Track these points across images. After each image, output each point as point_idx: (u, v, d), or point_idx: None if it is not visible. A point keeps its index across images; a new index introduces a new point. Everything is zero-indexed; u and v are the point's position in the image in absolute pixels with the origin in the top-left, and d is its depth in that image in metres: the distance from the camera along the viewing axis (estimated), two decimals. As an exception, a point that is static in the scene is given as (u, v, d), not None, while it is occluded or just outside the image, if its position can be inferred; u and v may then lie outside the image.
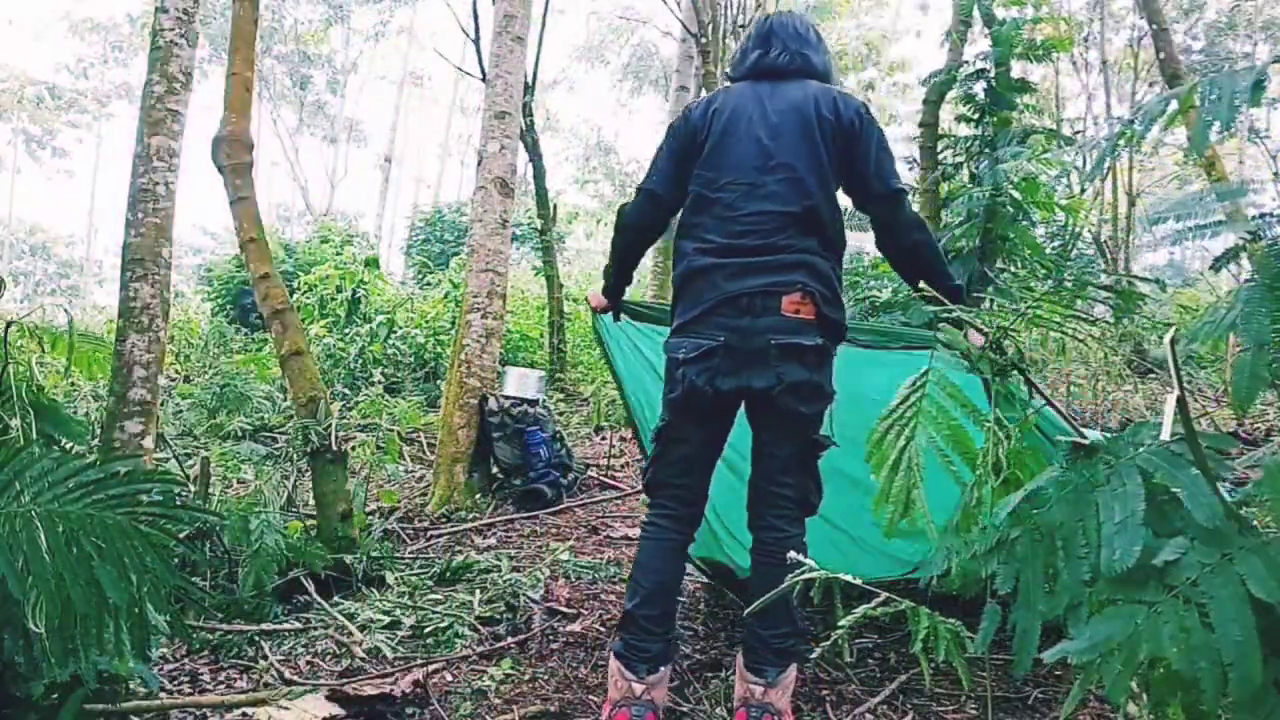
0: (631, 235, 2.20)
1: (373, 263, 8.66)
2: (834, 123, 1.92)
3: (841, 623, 1.22)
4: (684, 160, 2.03)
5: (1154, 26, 5.30)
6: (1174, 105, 1.02)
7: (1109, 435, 1.12)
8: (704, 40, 6.62)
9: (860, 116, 1.95)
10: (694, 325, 1.90)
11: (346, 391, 6.51)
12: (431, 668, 2.09)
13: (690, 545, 1.99)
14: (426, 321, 7.57)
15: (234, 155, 3.08)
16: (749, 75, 2.07)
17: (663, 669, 1.83)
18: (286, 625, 2.44)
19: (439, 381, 6.86)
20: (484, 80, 4.48)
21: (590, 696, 1.98)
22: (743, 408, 1.97)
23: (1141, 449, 1.01)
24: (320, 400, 2.98)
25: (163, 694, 1.91)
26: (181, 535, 2.20)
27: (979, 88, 4.57)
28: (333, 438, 2.93)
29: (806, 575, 1.20)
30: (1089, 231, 7.55)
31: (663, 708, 1.83)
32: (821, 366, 1.87)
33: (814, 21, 2.17)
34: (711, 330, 1.87)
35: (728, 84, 2.12)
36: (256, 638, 2.33)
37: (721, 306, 1.87)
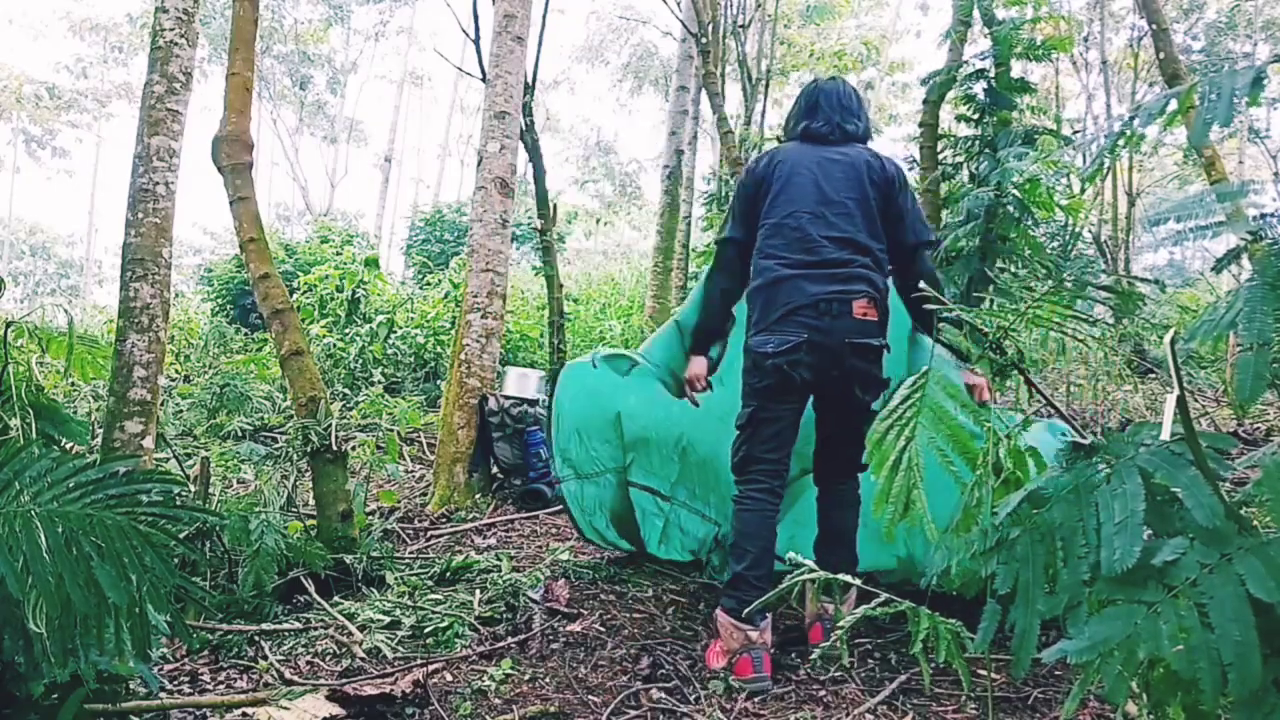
0: (726, 282, 2.46)
1: (373, 263, 8.65)
2: (880, 173, 2.31)
3: (841, 622, 1.22)
4: (753, 206, 2.38)
5: (1154, 26, 5.30)
6: (1173, 105, 1.02)
7: (1109, 435, 1.12)
8: (704, 40, 6.61)
9: (900, 173, 2.34)
10: (778, 324, 2.23)
11: (346, 391, 6.50)
12: (431, 668, 2.09)
13: (779, 511, 2.30)
14: (426, 321, 7.57)
15: (234, 155, 3.08)
16: (799, 138, 2.42)
17: (769, 618, 2.16)
18: (286, 625, 2.44)
19: (439, 381, 6.86)
20: (484, 80, 4.48)
21: (590, 696, 1.97)
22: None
23: (1141, 449, 1.01)
24: (320, 400, 2.98)
25: (163, 694, 1.91)
26: (181, 535, 2.20)
27: (979, 88, 4.56)
28: (333, 438, 2.93)
29: (808, 576, 1.20)
30: (1089, 231, 7.54)
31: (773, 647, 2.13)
32: (881, 362, 2.27)
33: (855, 88, 2.52)
34: (795, 329, 2.20)
35: (778, 143, 2.49)
36: (256, 638, 2.33)
37: (803, 309, 2.21)
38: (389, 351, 7.18)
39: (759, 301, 2.31)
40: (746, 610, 1.96)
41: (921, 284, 2.21)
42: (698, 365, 2.50)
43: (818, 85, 2.47)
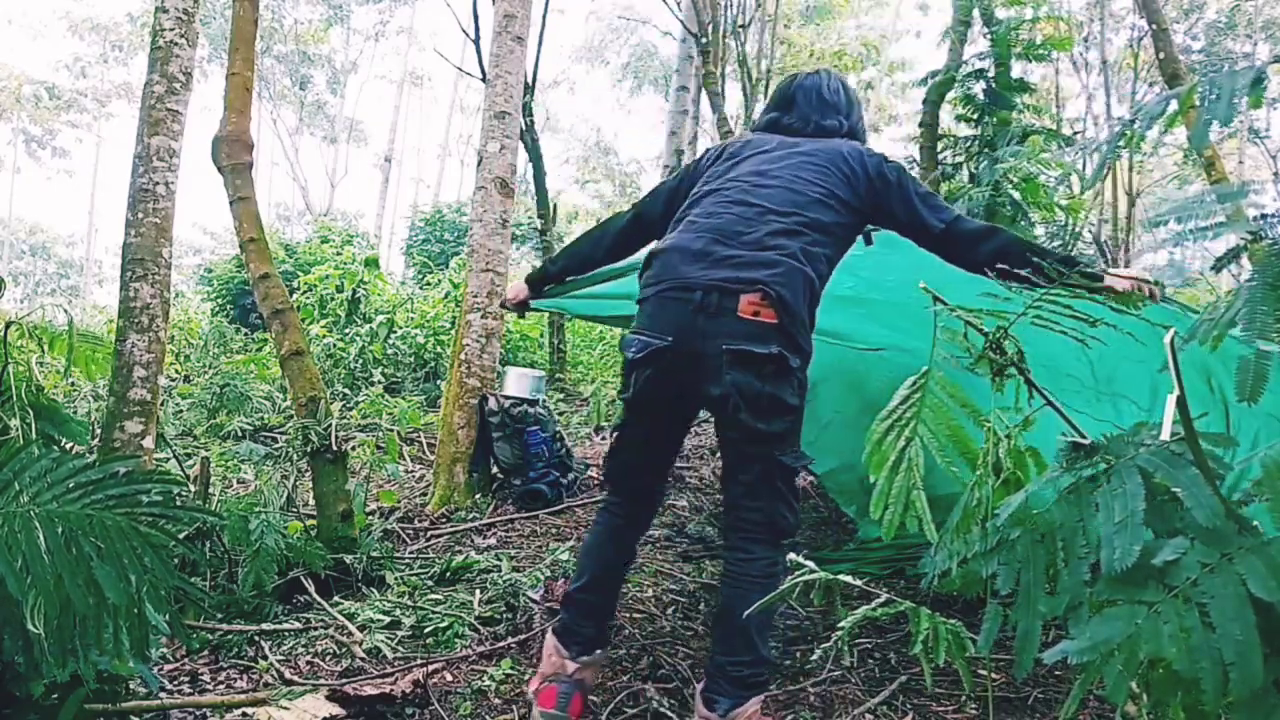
0: (603, 237, 2.13)
1: (373, 263, 8.65)
2: (862, 163, 1.86)
3: (842, 623, 1.22)
4: (679, 186, 2.01)
5: (1154, 26, 5.30)
6: (1174, 105, 1.02)
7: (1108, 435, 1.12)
8: (704, 40, 6.62)
9: (891, 166, 1.89)
10: (648, 319, 1.78)
11: (346, 391, 6.50)
12: (431, 668, 2.09)
13: (639, 537, 2.01)
14: (426, 321, 7.57)
15: (234, 155, 3.08)
16: (765, 129, 2.04)
17: (597, 652, 1.87)
18: (286, 625, 2.44)
19: (439, 381, 6.86)
20: (484, 80, 4.48)
21: (590, 696, 1.97)
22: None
23: (1141, 449, 1.01)
24: (320, 400, 2.98)
25: (163, 694, 1.91)
26: (181, 535, 2.20)
27: (978, 88, 4.57)
28: (333, 438, 2.93)
29: (807, 576, 1.20)
30: (1089, 231, 7.55)
31: (591, 688, 1.89)
32: (781, 378, 1.69)
33: (846, 80, 2.08)
34: (658, 330, 1.74)
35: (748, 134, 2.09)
36: (256, 638, 2.33)
37: (676, 298, 1.72)
38: (389, 351, 7.18)
39: (641, 278, 1.89)
40: None
41: (988, 244, 1.75)
42: (518, 288, 2.28)
43: (795, 79, 2.07)
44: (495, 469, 4.02)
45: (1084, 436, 1.15)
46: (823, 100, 2.00)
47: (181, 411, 5.86)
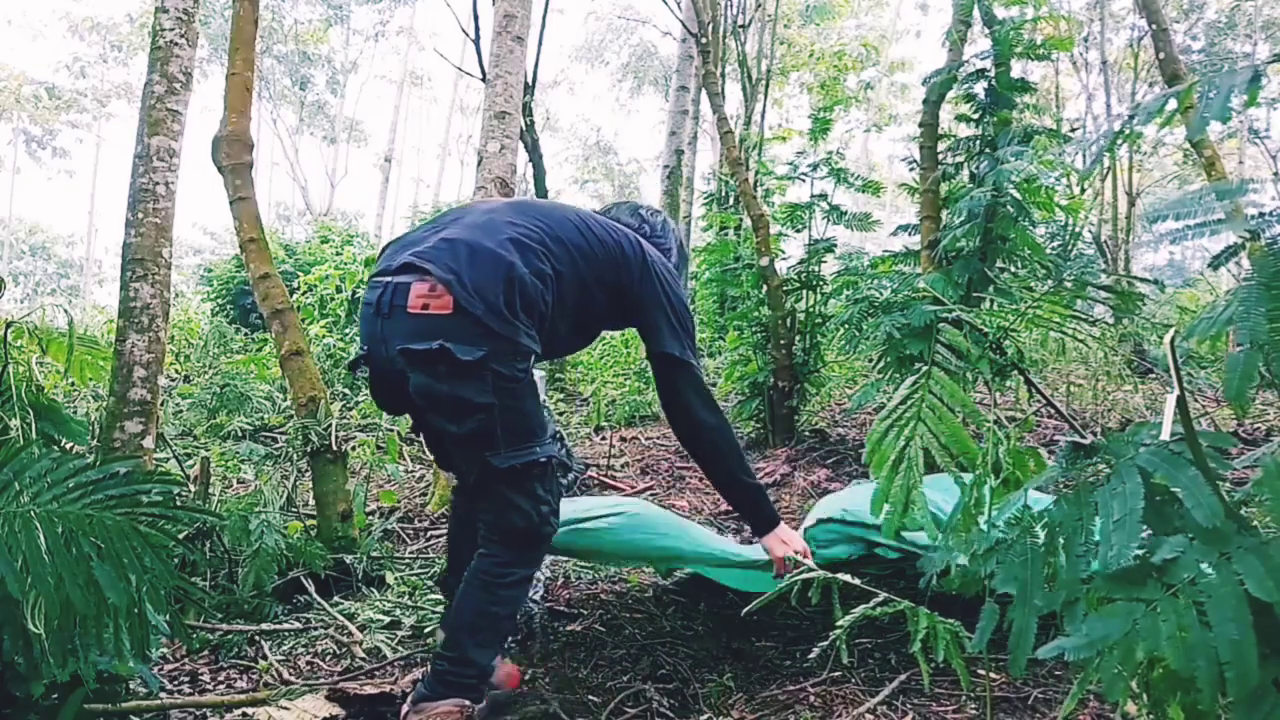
0: None
1: (373, 263, 8.65)
2: (634, 254, 1.78)
3: (840, 623, 1.22)
4: None
5: (1154, 26, 5.30)
6: (1173, 104, 1.02)
7: (1109, 434, 1.12)
8: (704, 40, 6.62)
9: (664, 269, 1.81)
10: None
11: (346, 391, 6.50)
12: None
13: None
14: (426, 321, 7.56)
15: (234, 155, 3.08)
16: None
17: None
18: (286, 625, 2.44)
19: (439, 381, 6.85)
20: (484, 80, 4.48)
21: (590, 697, 1.98)
22: None
23: (1141, 449, 1.01)
24: (320, 400, 2.98)
25: (163, 694, 1.91)
26: (181, 535, 2.20)
27: (979, 88, 4.56)
28: (333, 438, 2.93)
29: (804, 575, 1.20)
30: (1089, 231, 7.55)
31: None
32: (458, 376, 1.52)
33: (666, 218, 2.11)
34: (361, 338, 1.68)
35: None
36: (256, 638, 2.33)
37: (365, 305, 1.64)
38: (389, 351, 7.18)
39: None
40: None
41: (696, 399, 1.76)
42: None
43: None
44: (495, 469, 4.01)
45: (1084, 437, 1.15)
46: (635, 212, 2.03)
47: (181, 411, 5.86)
